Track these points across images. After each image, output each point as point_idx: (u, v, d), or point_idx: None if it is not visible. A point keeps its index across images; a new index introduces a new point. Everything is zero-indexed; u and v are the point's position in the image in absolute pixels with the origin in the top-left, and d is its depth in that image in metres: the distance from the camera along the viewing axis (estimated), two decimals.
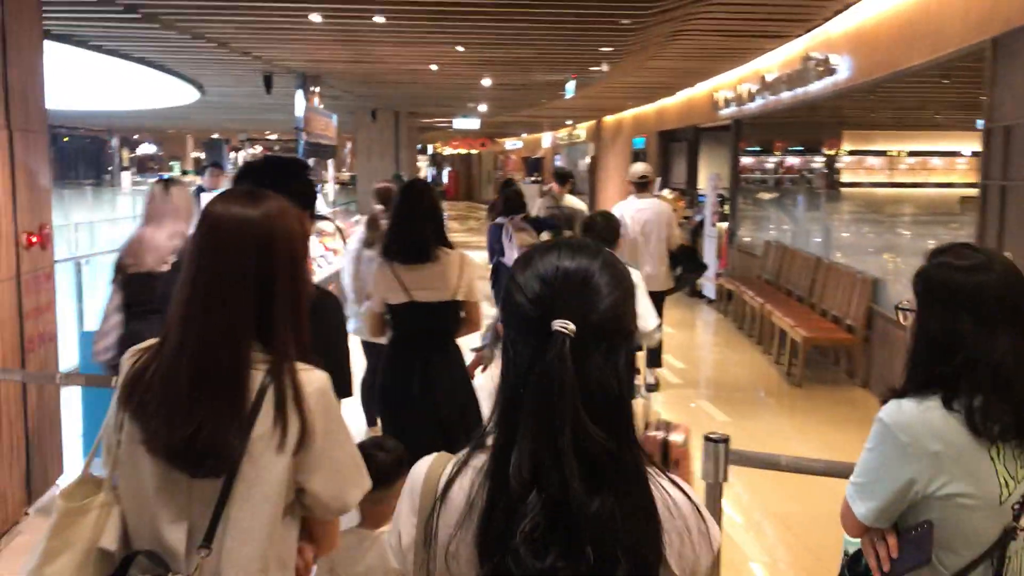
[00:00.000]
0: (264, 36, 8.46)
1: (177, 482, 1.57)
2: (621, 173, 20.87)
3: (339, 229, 10.25)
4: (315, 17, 7.19)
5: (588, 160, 26.12)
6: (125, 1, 6.44)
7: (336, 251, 9.98)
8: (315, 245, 9.05)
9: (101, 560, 1.58)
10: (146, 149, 49.53)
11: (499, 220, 7.65)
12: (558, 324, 1.10)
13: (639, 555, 1.10)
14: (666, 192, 16.32)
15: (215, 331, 1.58)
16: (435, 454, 1.27)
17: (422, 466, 1.26)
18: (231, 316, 1.58)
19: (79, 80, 13.69)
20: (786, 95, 10.18)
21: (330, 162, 11.35)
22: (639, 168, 7.93)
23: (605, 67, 9.66)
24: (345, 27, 7.85)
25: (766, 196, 13.16)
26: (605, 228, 5.04)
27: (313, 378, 1.63)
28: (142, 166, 46.75)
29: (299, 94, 11.46)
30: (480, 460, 1.18)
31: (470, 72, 11.07)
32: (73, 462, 5.01)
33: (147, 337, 1.68)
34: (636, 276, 5.18)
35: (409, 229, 3.62)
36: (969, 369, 1.70)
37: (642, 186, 7.65)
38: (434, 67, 10.23)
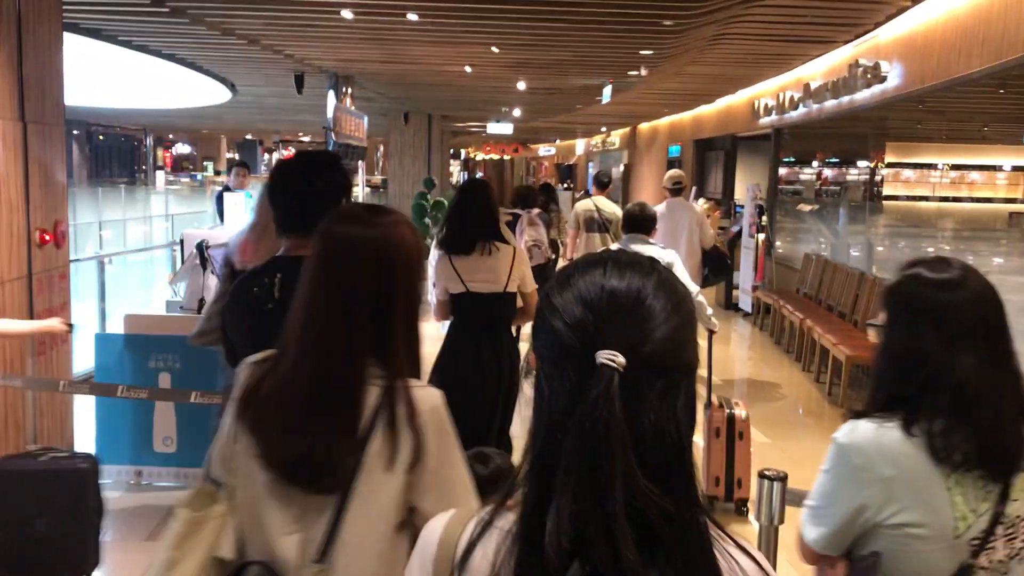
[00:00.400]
0: (294, 33, 8.28)
1: (291, 496, 1.57)
2: (656, 181, 20.55)
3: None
4: (347, 14, 6.99)
5: (622, 168, 25.82)
6: None
7: None
8: None
9: (216, 568, 1.58)
10: (181, 149, 50.05)
11: (516, 211, 7.96)
12: (604, 356, 0.90)
13: None
14: (700, 202, 16.02)
15: (334, 349, 1.59)
16: (451, 511, 1.09)
17: (436, 526, 1.07)
18: (350, 335, 1.60)
19: (114, 77, 13.66)
20: (830, 103, 9.84)
21: (360, 164, 11.13)
22: (674, 173, 8.35)
23: (644, 71, 9.37)
24: (377, 25, 7.64)
25: (805, 208, 12.79)
26: (641, 217, 5.38)
27: (427, 396, 1.63)
28: (177, 166, 47.16)
29: (330, 94, 11.29)
30: (507, 520, 0.98)
31: (505, 75, 10.84)
32: None
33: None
34: (672, 255, 5.33)
35: (463, 224, 3.89)
36: (931, 390, 1.58)
37: (676, 191, 8.02)
38: (468, 69, 10.00)
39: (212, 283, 5.20)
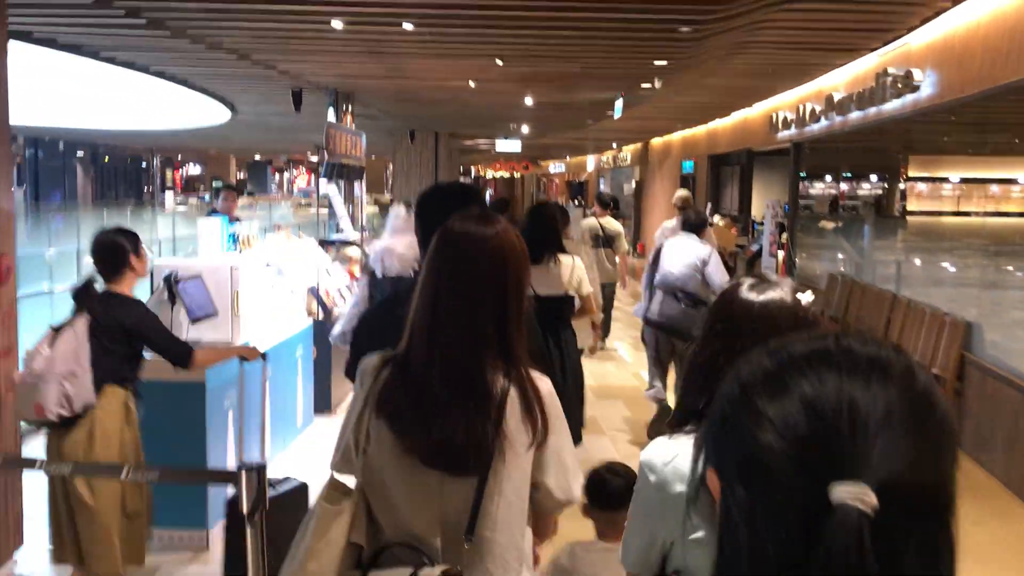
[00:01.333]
0: (285, 46, 7.80)
1: (428, 481, 1.70)
2: (668, 198, 19.98)
3: (365, 255, 9.54)
4: (337, 23, 6.50)
5: (633, 184, 25.31)
6: (126, 4, 5.79)
7: None
8: (339, 273, 8.32)
9: (353, 554, 1.71)
10: (191, 170, 50.03)
11: None
12: (848, 493, 0.63)
13: None
14: (716, 219, 15.48)
15: (463, 343, 1.70)
16: None
17: None
18: (477, 328, 1.71)
19: (113, 97, 13.27)
20: (855, 115, 9.28)
21: (359, 184, 10.64)
22: (680, 193, 10.21)
23: (658, 84, 8.85)
24: (372, 36, 7.15)
25: (828, 224, 12.22)
26: (696, 221, 6.37)
27: (544, 382, 1.79)
28: (187, 186, 47.00)
29: (330, 112, 10.82)
30: None
31: (511, 89, 10.34)
32: (35, 532, 4.28)
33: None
34: (708, 249, 6.05)
35: (530, 239, 3.90)
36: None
37: (683, 209, 8.69)
38: (472, 83, 9.50)
39: (183, 320, 4.68)
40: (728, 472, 0.71)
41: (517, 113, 13.61)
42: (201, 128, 17.08)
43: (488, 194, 42.99)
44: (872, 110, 8.72)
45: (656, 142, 22.00)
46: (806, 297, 1.60)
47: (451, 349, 1.70)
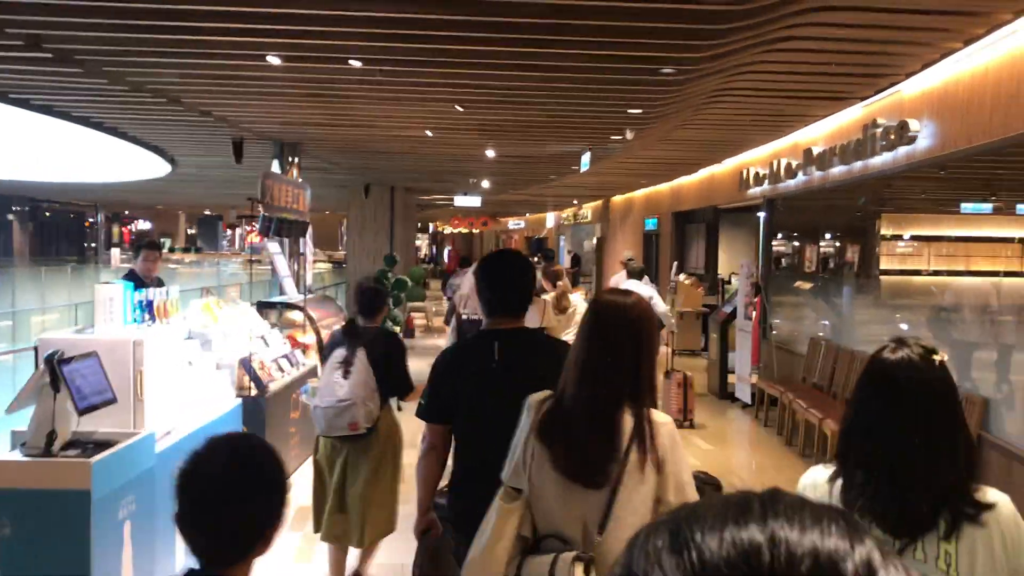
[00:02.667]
0: (219, 88, 6.98)
1: (575, 491, 2.24)
2: (632, 255, 19.47)
3: (310, 319, 8.66)
4: (273, 59, 5.71)
5: (595, 241, 24.77)
6: (22, 32, 4.95)
7: (308, 347, 8.35)
8: (278, 341, 7.42)
9: (520, 543, 2.26)
10: (142, 225, 48.73)
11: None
12: None
13: None
14: (682, 277, 14.86)
15: (605, 390, 2.26)
16: None
17: None
18: (617, 380, 2.27)
19: (45, 147, 12.34)
20: (838, 170, 8.72)
21: (306, 240, 9.78)
22: (627, 253, 11.90)
23: (629, 135, 8.19)
24: (315, 75, 6.37)
25: (804, 285, 11.59)
26: (638, 269, 8.74)
27: (663, 419, 2.31)
28: (135, 243, 45.66)
29: (275, 164, 10.01)
30: None
31: (471, 140, 9.62)
32: None
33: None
34: (651, 289, 8.56)
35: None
36: (861, 448, 1.83)
37: (627, 263, 10.13)
38: (429, 133, 8.76)
39: (70, 411, 3.77)
40: None
41: (478, 167, 12.90)
42: (141, 182, 16.12)
43: (447, 250, 42.45)
44: (858, 164, 8.14)
45: (617, 199, 21.51)
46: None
47: (597, 396, 2.25)
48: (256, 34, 5.20)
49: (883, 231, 14.02)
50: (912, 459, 1.73)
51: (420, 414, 3.08)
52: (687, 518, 0.54)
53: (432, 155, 11.13)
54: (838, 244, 13.12)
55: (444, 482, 3.10)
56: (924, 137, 6.76)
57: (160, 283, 6.62)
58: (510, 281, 3.07)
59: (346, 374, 4.47)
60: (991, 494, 1.76)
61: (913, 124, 6.81)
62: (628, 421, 2.22)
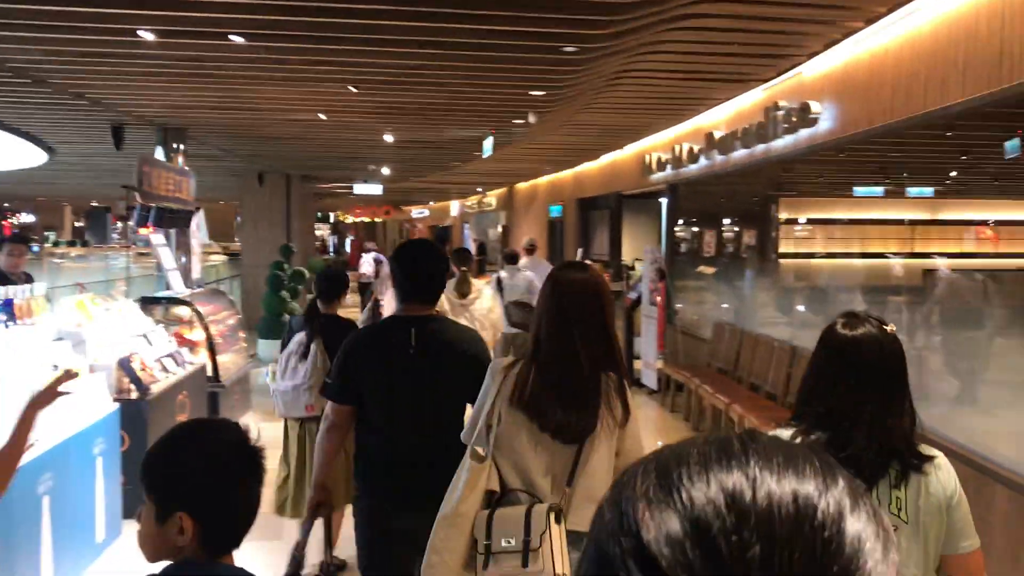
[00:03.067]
0: (88, 67, 6.43)
1: (545, 448, 2.50)
2: (538, 243, 19.33)
3: (198, 315, 8.16)
4: (146, 34, 5.25)
5: (500, 229, 24.58)
6: None
7: (197, 344, 7.86)
8: (162, 339, 6.93)
9: (487, 496, 2.48)
10: (25, 218, 46.29)
11: None
12: None
13: None
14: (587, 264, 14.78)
15: (574, 358, 2.50)
16: None
17: None
18: (586, 346, 2.50)
19: None
20: (740, 154, 8.70)
21: (195, 230, 9.25)
22: (528, 239, 12.53)
23: (532, 118, 7.97)
24: (194, 53, 5.91)
25: (707, 270, 11.63)
26: (510, 254, 8.88)
27: (625, 383, 2.62)
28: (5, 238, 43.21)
29: (158, 151, 9.41)
30: None
31: (368, 124, 9.24)
32: None
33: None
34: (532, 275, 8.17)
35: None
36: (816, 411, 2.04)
37: (529, 251, 10.89)
38: (323, 116, 8.35)
39: None
40: None
41: (377, 153, 12.49)
42: (16, 172, 15.11)
43: (349, 240, 41.65)
44: (760, 148, 8.12)
45: (522, 186, 21.35)
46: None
47: (569, 361, 2.51)
48: (124, 5, 4.75)
49: (781, 215, 14.25)
50: (868, 419, 1.93)
51: (327, 394, 3.18)
52: (674, 460, 0.58)
53: (328, 140, 10.69)
54: (738, 229, 13.25)
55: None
56: (825, 119, 6.74)
57: (29, 279, 6.08)
58: (425, 270, 3.19)
59: (303, 358, 4.67)
60: (929, 449, 2.03)
61: (815, 106, 6.78)
62: (598, 383, 2.51)
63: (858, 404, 1.94)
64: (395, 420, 3.04)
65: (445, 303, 6.48)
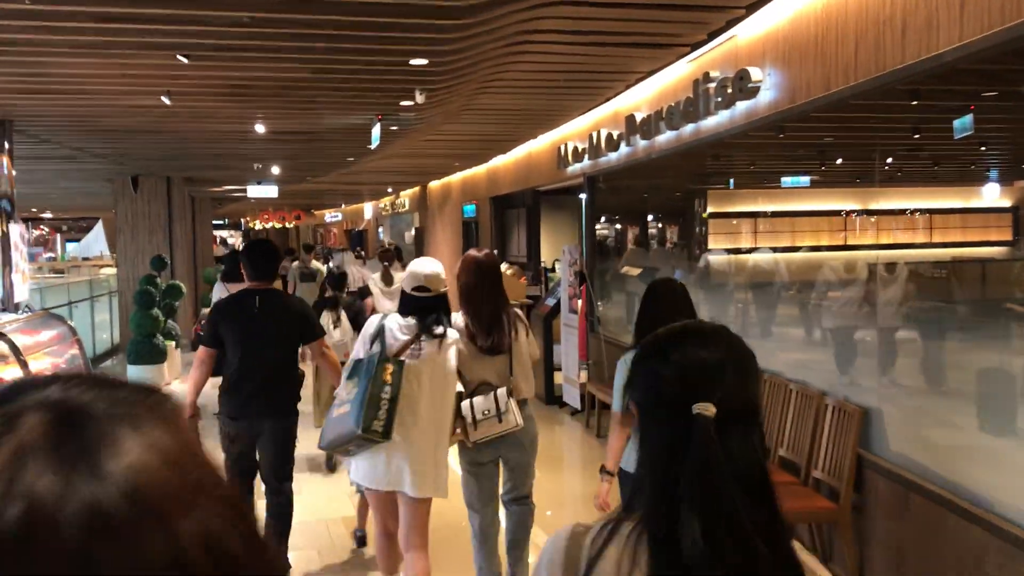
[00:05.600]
0: None
1: (489, 360, 4.21)
2: (452, 245, 17.96)
3: (14, 349, 6.60)
4: None
5: (413, 231, 23.17)
6: None
7: None
8: None
9: (458, 396, 4.17)
10: None
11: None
12: (701, 407, 1.23)
13: None
14: (504, 267, 13.49)
15: (495, 305, 4.25)
16: (571, 525, 1.38)
17: (561, 535, 1.35)
18: (500, 297, 4.31)
19: None
20: (665, 138, 7.52)
21: (16, 242, 7.67)
22: (386, 241, 15.16)
23: (420, 97, 6.62)
24: None
25: (633, 271, 10.44)
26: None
27: (522, 314, 4.55)
28: None
29: None
30: (624, 533, 1.27)
31: (225, 109, 7.77)
32: None
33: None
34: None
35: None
36: None
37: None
38: (167, 100, 6.84)
39: None
40: (644, 401, 1.34)
41: (254, 148, 10.96)
42: None
43: None
44: (688, 128, 6.95)
45: (434, 185, 20.00)
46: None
47: (491, 308, 4.24)
48: None
49: (708, 209, 13.21)
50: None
51: (201, 342, 4.83)
52: (667, 343, 1.32)
53: (189, 133, 9.15)
54: (661, 224, 12.16)
55: None
56: (768, 88, 5.58)
57: None
58: (263, 259, 4.90)
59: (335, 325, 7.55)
60: None
61: (755, 72, 5.60)
62: (507, 316, 4.30)
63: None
64: (245, 357, 4.61)
65: (375, 288, 9.43)
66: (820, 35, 4.86)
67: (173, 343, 11.66)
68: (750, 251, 14.98)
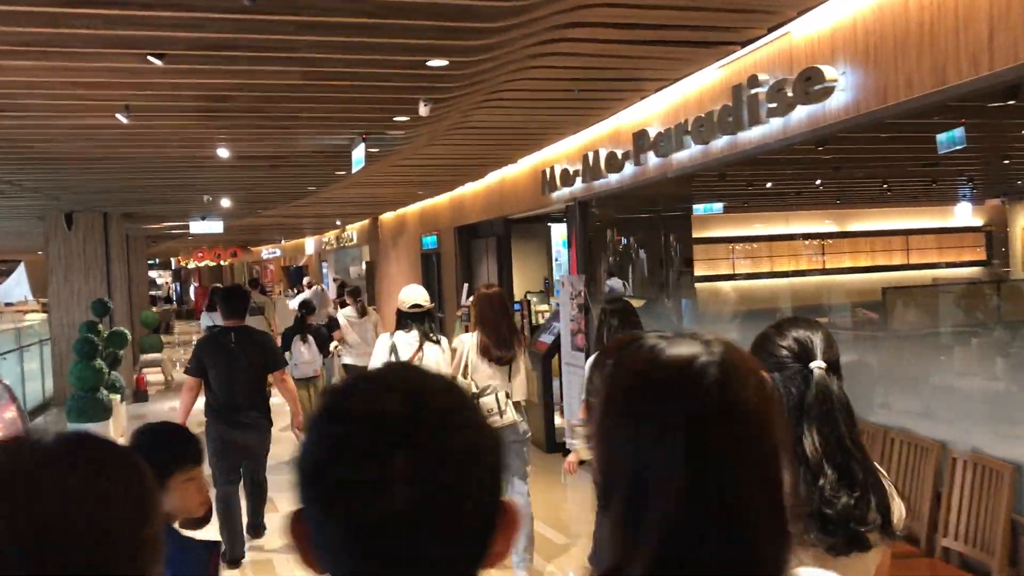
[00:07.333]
0: None
1: (495, 369, 5.35)
2: (409, 278, 16.93)
3: None
4: None
5: (363, 266, 22.11)
6: None
7: None
8: None
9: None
10: None
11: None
12: (817, 364, 1.79)
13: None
14: (471, 300, 12.60)
15: (507, 327, 5.52)
16: None
17: None
18: (510, 321, 5.66)
19: None
20: (688, 153, 6.76)
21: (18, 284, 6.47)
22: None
23: (425, 109, 5.69)
24: None
25: (635, 302, 9.62)
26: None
27: (522, 337, 6.33)
28: None
29: None
30: None
31: (190, 130, 6.76)
32: None
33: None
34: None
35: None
36: None
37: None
38: (123, 118, 5.80)
39: None
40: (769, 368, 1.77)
41: (212, 177, 9.88)
42: None
43: (193, 287, 38.08)
44: (721, 141, 6.17)
45: (387, 216, 19.03)
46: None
47: (502, 331, 5.42)
48: None
49: (695, 233, 12.57)
50: None
51: (188, 372, 6.20)
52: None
53: (142, 161, 8.06)
54: (656, 250, 11.46)
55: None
56: (843, 88, 4.82)
57: None
58: (235, 300, 6.35)
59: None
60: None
61: (828, 71, 4.84)
62: (515, 340, 5.42)
63: None
64: (223, 383, 6.02)
65: (343, 320, 10.30)
66: (928, 22, 4.12)
67: (118, 396, 10.41)
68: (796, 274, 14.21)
